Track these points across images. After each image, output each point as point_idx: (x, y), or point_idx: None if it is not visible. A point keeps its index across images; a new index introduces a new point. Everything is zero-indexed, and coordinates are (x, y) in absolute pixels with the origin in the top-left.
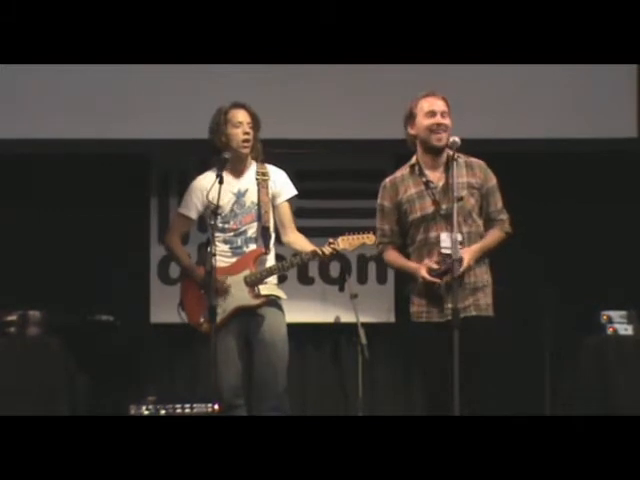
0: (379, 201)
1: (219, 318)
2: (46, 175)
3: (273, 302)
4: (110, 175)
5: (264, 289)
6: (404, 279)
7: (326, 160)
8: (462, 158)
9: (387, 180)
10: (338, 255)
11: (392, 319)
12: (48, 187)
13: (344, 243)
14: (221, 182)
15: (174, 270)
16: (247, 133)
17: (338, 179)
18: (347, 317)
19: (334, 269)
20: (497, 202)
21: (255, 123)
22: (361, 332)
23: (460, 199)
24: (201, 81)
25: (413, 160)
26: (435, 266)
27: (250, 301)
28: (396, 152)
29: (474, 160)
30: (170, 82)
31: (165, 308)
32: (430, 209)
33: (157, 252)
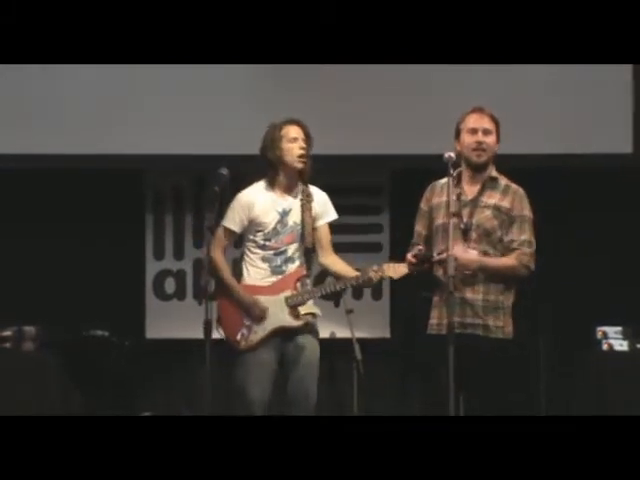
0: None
1: (258, 337)
2: (41, 191)
3: (311, 321)
4: (105, 191)
5: (303, 308)
6: (400, 295)
7: (324, 176)
8: (504, 181)
9: (432, 183)
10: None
11: (387, 334)
12: (43, 203)
13: (390, 271)
14: (216, 199)
15: (169, 286)
16: (303, 148)
17: (336, 195)
18: (342, 332)
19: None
20: (521, 233)
21: (309, 140)
22: (356, 347)
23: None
24: (196, 96)
25: (458, 170)
26: (420, 247)
27: (291, 322)
28: (393, 167)
29: (514, 186)
30: (165, 96)
31: (160, 323)
32: (451, 220)
33: (152, 268)
